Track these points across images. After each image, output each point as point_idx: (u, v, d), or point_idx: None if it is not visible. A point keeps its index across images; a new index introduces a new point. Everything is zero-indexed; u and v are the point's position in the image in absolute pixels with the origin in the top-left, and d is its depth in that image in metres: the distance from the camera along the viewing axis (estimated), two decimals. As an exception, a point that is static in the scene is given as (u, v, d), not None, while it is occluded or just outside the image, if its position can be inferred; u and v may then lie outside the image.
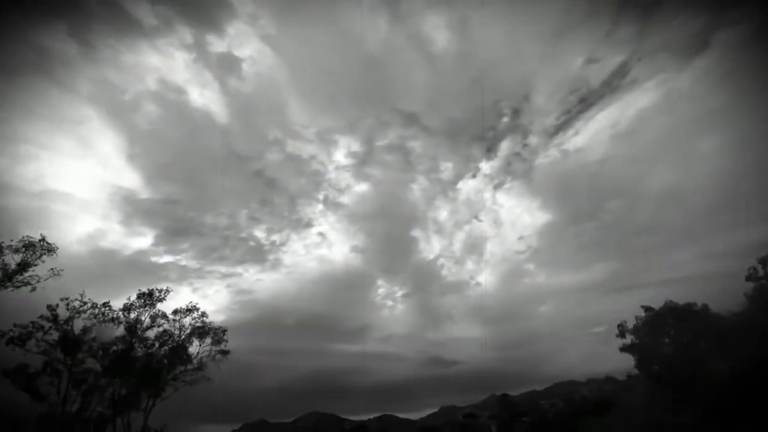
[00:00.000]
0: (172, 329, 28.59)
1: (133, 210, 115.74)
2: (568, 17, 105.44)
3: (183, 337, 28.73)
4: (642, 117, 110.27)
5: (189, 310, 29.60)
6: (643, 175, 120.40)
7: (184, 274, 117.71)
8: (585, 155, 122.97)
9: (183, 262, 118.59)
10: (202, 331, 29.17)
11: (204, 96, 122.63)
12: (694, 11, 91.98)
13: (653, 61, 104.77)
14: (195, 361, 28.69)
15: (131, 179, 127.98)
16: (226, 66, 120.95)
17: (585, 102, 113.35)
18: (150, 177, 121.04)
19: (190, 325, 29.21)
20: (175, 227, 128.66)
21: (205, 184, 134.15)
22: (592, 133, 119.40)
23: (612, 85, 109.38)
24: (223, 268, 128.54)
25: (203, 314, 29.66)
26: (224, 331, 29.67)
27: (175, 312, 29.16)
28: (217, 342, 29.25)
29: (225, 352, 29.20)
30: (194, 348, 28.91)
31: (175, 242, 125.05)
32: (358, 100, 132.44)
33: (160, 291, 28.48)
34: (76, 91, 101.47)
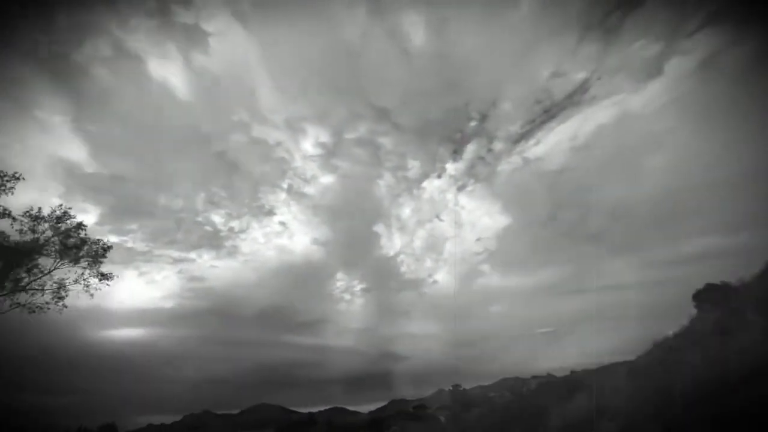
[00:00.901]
0: (19, 236, 18.71)
1: (75, 184, 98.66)
2: (538, 30, 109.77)
3: (47, 250, 18.91)
4: (598, 133, 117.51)
5: (58, 218, 19.94)
6: (595, 187, 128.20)
7: (130, 257, 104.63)
8: (544, 164, 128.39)
9: (130, 244, 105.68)
10: (71, 244, 19.56)
11: (164, 68, 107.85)
12: (651, 38, 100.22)
13: (611, 81, 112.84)
14: (49, 281, 18.99)
15: (75, 150, 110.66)
16: (191, 38, 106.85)
17: (548, 113, 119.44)
18: (97, 149, 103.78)
19: (55, 236, 19.57)
20: (123, 206, 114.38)
21: (159, 162, 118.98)
22: (552, 144, 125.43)
23: (573, 100, 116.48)
24: (174, 253, 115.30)
25: (80, 225, 20.14)
26: (107, 247, 20.35)
27: (33, 217, 19.38)
28: (94, 261, 19.82)
29: (104, 276, 19.90)
30: (52, 262, 19.15)
31: (123, 222, 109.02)
32: (331, 91, 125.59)
33: (3, 176, 18.57)
34: (17, 48, 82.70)
